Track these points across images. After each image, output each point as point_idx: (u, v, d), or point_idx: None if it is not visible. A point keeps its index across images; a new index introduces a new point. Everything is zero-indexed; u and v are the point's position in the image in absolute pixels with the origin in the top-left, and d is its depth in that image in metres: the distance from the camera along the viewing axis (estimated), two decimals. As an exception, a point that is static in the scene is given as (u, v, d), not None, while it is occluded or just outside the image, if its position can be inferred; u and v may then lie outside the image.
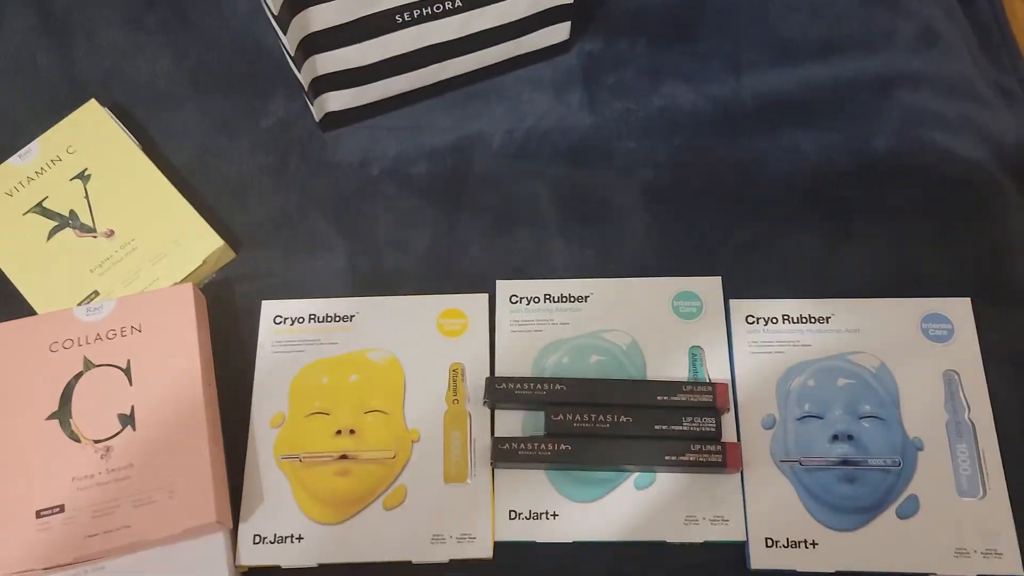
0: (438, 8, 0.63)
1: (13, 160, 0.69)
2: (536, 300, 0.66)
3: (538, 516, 0.60)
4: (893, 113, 0.73)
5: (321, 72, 0.65)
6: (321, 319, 0.65)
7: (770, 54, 0.76)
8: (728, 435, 0.62)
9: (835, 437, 0.61)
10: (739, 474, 0.61)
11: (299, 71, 0.64)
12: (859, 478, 0.60)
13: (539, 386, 0.61)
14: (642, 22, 0.78)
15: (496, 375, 0.64)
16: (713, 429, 0.60)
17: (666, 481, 0.60)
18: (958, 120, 0.73)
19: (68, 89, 0.75)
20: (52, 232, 0.66)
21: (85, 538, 0.54)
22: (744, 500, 0.60)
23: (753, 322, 0.65)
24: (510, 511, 0.60)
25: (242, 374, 0.64)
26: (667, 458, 0.59)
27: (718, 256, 0.69)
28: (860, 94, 0.74)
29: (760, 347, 0.64)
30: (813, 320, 0.65)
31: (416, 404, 0.63)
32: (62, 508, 0.55)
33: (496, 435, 0.62)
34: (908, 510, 0.59)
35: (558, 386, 0.61)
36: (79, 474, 0.55)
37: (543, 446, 0.60)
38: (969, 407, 0.62)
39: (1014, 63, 0.83)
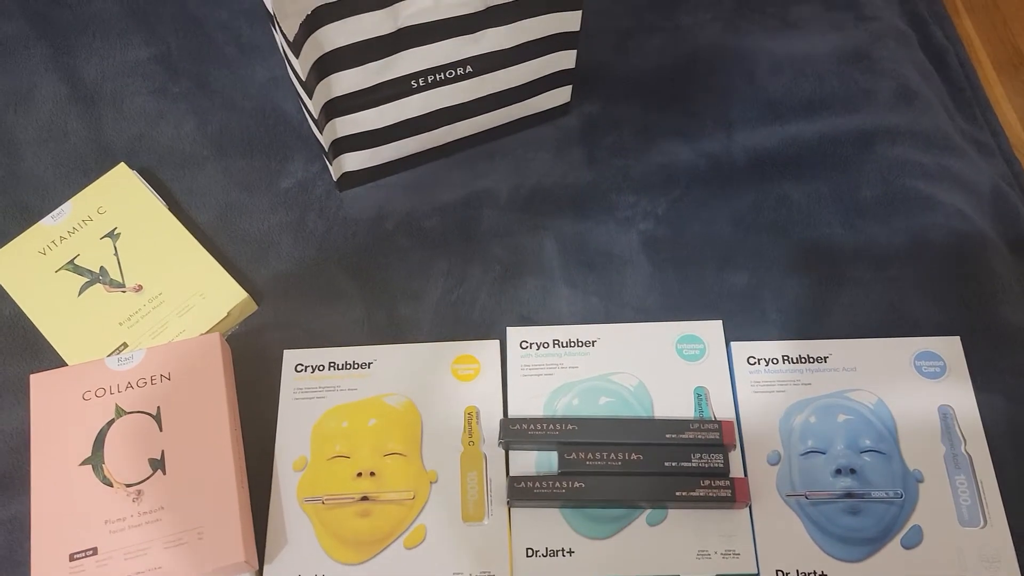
0: (450, 74, 0.68)
1: (46, 221, 0.72)
2: (545, 345, 0.69)
3: (554, 554, 0.62)
4: (876, 164, 0.78)
5: (341, 134, 0.69)
6: (340, 366, 0.68)
7: (758, 112, 0.81)
8: (735, 471, 0.64)
9: (838, 471, 0.64)
10: (747, 509, 0.63)
11: (321, 133, 0.68)
12: (863, 510, 0.62)
13: (552, 426, 0.64)
14: (638, 85, 0.83)
15: (509, 417, 0.66)
16: (721, 465, 0.62)
17: (677, 517, 0.62)
18: (937, 170, 0.78)
19: (97, 154, 0.79)
20: (83, 288, 0.69)
21: (117, 580, 0.55)
22: (754, 534, 0.62)
23: (754, 363, 0.68)
24: (527, 549, 0.62)
25: (265, 420, 0.66)
26: (678, 494, 0.61)
27: (717, 301, 0.72)
28: (844, 148, 0.79)
29: (762, 386, 0.67)
30: (811, 360, 0.68)
31: (433, 446, 0.65)
32: (95, 551, 0.56)
33: (511, 475, 0.64)
34: (912, 540, 0.61)
35: (570, 426, 0.64)
36: (111, 517, 0.57)
37: (557, 484, 0.62)
38: (965, 440, 0.65)
39: (986, 117, 0.89)
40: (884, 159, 0.78)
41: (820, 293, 0.72)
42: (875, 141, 0.79)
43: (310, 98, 0.63)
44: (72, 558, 0.56)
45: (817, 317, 0.71)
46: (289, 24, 0.56)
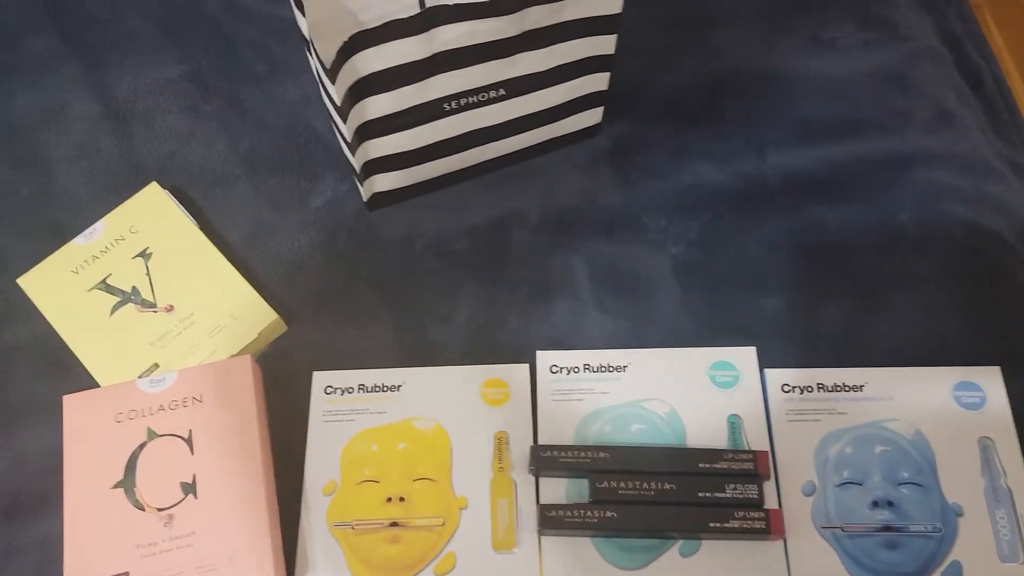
0: (483, 97, 0.67)
1: (78, 240, 0.73)
2: (576, 370, 0.69)
3: (585, 584, 0.61)
4: (913, 188, 0.77)
5: (373, 156, 0.69)
6: (370, 389, 0.68)
7: (792, 134, 0.80)
8: (770, 502, 0.63)
9: (875, 503, 0.62)
10: (782, 541, 0.62)
11: (353, 155, 0.68)
12: (901, 544, 0.61)
13: (583, 454, 0.63)
14: (669, 106, 0.82)
15: (539, 443, 0.65)
16: (756, 496, 0.61)
17: (711, 548, 0.61)
18: (975, 194, 0.77)
19: (129, 172, 0.79)
20: (115, 308, 0.70)
21: (148, 605, 0.55)
22: (788, 567, 0.61)
23: (788, 390, 0.67)
24: (558, 579, 0.61)
25: (295, 443, 0.66)
26: (712, 525, 0.60)
27: (750, 327, 0.71)
28: (880, 171, 0.78)
29: (796, 415, 0.66)
30: (847, 388, 0.67)
31: (463, 472, 0.64)
32: (127, 575, 0.56)
33: (541, 502, 0.63)
34: (951, 576, 0.60)
35: (602, 453, 0.63)
36: (143, 541, 0.57)
37: (589, 513, 0.61)
38: (1006, 473, 0.63)
39: (1023, 140, 0.87)
40: (921, 182, 0.77)
41: (856, 319, 0.71)
42: (912, 164, 0.78)
43: (344, 122, 0.63)
44: (104, 583, 0.56)
45: (853, 344, 0.70)
46: (326, 51, 0.56)
